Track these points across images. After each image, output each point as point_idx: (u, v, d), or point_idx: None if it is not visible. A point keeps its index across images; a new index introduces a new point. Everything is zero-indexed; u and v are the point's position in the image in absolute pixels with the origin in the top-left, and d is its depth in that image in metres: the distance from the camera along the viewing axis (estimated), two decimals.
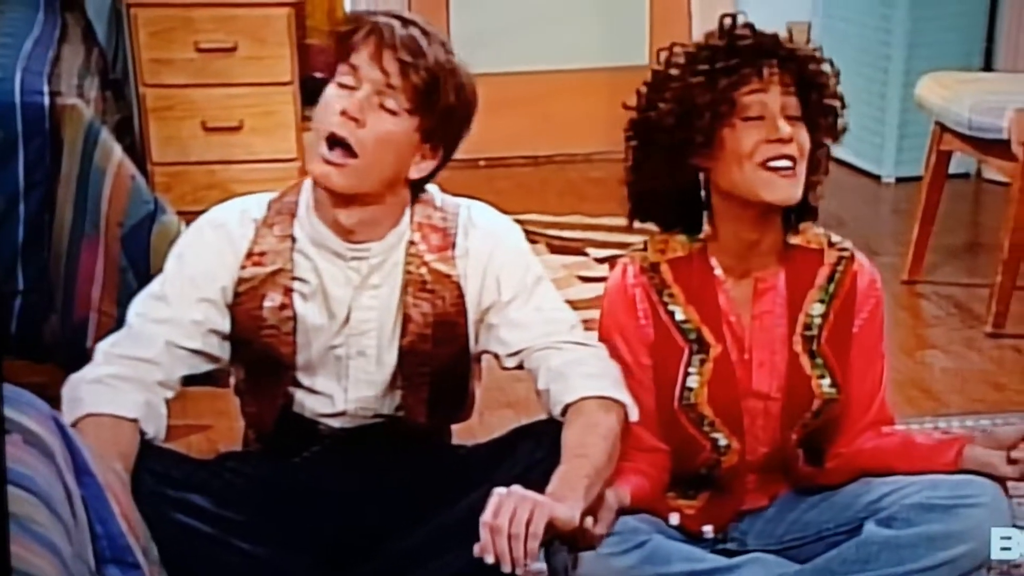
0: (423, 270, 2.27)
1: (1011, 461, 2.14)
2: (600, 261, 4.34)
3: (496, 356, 2.33)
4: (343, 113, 2.15)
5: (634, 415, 2.18)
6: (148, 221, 3.08)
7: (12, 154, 3.10)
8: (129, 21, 4.40)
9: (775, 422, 2.27)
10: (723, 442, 2.26)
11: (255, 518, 2.21)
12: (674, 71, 2.21)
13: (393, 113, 2.18)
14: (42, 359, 3.11)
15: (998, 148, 3.77)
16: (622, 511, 2.13)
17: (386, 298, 2.28)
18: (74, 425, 1.98)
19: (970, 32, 5.24)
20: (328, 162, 2.16)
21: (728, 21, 2.21)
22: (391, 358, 2.29)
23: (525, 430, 2.26)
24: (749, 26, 2.21)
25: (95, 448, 1.81)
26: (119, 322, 2.39)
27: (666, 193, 2.26)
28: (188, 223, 2.51)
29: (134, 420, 2.13)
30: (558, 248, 4.50)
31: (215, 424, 3.08)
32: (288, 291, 2.26)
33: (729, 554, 2.26)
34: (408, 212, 2.29)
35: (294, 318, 2.27)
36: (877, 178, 5.31)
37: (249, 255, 2.26)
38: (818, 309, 2.27)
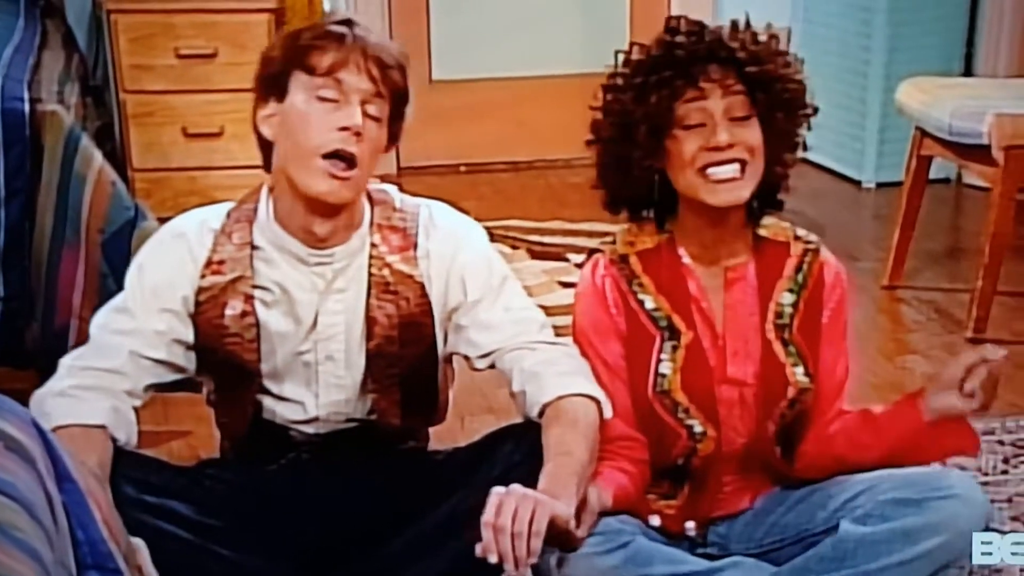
0: (385, 271, 2.27)
1: (966, 395, 2.15)
2: (580, 266, 4.32)
3: (467, 358, 2.33)
4: (345, 129, 2.15)
5: (608, 411, 2.19)
6: (129, 227, 3.07)
7: None
8: (109, 27, 4.41)
9: (752, 411, 2.27)
10: (698, 429, 2.26)
11: (235, 525, 2.21)
12: (619, 80, 2.22)
13: (377, 120, 2.19)
14: (23, 366, 3.10)
15: (978, 153, 3.77)
16: (603, 513, 2.13)
17: (352, 301, 2.28)
18: None
19: (950, 37, 5.25)
20: (335, 177, 2.16)
21: (673, 24, 2.20)
22: (360, 361, 2.29)
23: (503, 433, 2.27)
24: (697, 27, 2.19)
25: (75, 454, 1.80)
26: None
27: (630, 189, 2.28)
28: None
29: (103, 427, 2.13)
30: (539, 253, 4.50)
31: (196, 430, 3.06)
32: (249, 298, 2.26)
33: (710, 558, 2.27)
34: (368, 214, 2.29)
35: (257, 325, 2.26)
36: (857, 183, 5.28)
37: (208, 264, 2.26)
38: (788, 299, 2.29)
